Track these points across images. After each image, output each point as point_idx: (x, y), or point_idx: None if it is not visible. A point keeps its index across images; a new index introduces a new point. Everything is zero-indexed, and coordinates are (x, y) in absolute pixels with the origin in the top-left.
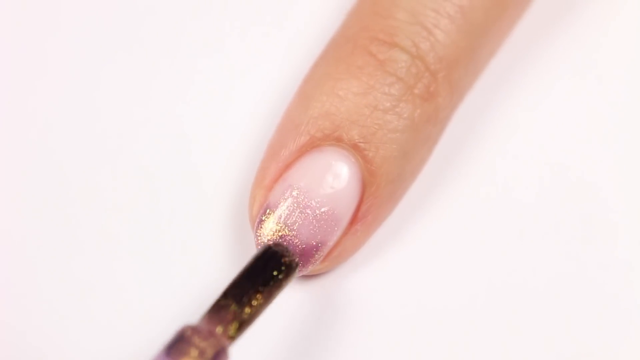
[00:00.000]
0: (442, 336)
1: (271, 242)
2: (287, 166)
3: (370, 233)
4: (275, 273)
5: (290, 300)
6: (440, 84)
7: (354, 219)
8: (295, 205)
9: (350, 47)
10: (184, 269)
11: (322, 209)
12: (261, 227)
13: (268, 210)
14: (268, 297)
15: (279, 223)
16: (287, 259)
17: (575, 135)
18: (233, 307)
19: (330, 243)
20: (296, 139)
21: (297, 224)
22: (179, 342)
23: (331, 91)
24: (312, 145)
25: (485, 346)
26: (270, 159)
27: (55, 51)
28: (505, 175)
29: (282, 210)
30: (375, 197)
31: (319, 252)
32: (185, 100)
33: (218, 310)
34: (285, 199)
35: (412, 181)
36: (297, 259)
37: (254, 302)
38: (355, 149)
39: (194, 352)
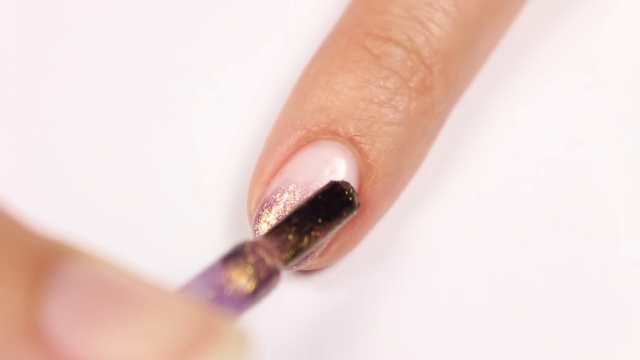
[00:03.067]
0: (442, 333)
1: (338, 180)
2: (284, 161)
3: (368, 227)
4: (337, 209)
5: (289, 296)
6: (435, 77)
7: None
8: (293, 199)
9: (346, 42)
10: (184, 264)
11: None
12: (259, 222)
13: (266, 205)
14: (326, 231)
15: (277, 217)
16: (350, 197)
17: (574, 131)
18: (293, 233)
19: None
20: (292, 134)
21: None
22: (236, 255)
23: (326, 86)
24: (309, 140)
25: (485, 343)
26: (267, 155)
27: (60, 49)
28: (505, 172)
29: (279, 204)
30: (372, 189)
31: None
32: (185, 99)
33: (279, 233)
34: (283, 193)
35: (411, 176)
36: (358, 200)
37: (313, 234)
38: (352, 142)
39: (249, 270)
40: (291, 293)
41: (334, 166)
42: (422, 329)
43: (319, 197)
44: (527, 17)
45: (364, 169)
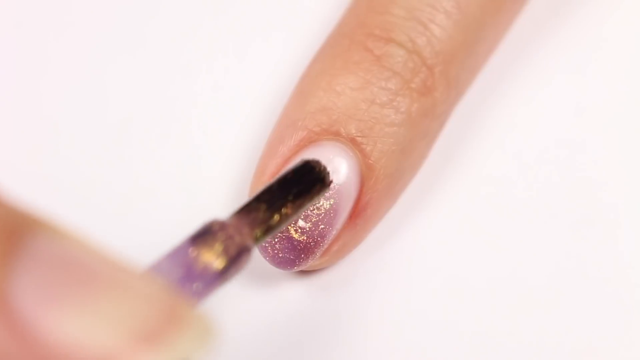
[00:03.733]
0: (441, 332)
1: (309, 158)
2: (286, 161)
3: (369, 227)
4: (309, 186)
5: (290, 296)
6: (437, 78)
7: (353, 213)
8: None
9: (347, 43)
10: None
11: (322, 203)
12: None
13: None
14: (297, 209)
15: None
16: (322, 174)
17: (575, 131)
18: (263, 210)
19: (330, 237)
20: (294, 135)
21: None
22: (205, 233)
23: (328, 86)
24: (310, 140)
25: (485, 343)
26: (268, 155)
27: (60, 48)
28: (505, 172)
29: None
30: (373, 190)
31: (318, 246)
32: (186, 98)
33: (249, 211)
34: None
35: (412, 176)
36: (331, 177)
37: (284, 211)
38: (353, 143)
39: (218, 247)
40: (292, 293)
41: (335, 167)
42: (423, 329)
43: (290, 175)
44: (528, 17)
45: (366, 170)
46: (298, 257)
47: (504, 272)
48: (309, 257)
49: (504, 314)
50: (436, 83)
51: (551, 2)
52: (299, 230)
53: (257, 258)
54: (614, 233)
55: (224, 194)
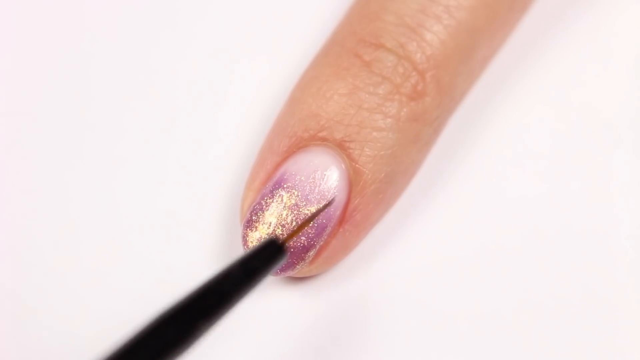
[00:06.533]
0: (437, 339)
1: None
2: (275, 168)
3: (360, 233)
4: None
5: (287, 302)
6: (428, 83)
7: (342, 218)
8: (283, 205)
9: (338, 50)
10: (183, 263)
11: (310, 209)
12: (248, 227)
13: (258, 211)
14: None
15: (268, 223)
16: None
17: (575, 139)
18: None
19: (319, 242)
20: (283, 141)
21: (284, 224)
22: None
23: (317, 93)
24: (299, 146)
25: (483, 346)
26: (260, 162)
27: (59, 50)
28: (503, 180)
29: (270, 211)
30: (362, 195)
31: (308, 252)
32: (182, 109)
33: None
34: (273, 200)
35: (405, 183)
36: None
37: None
38: (341, 148)
39: None
40: (286, 300)
41: (323, 172)
42: (418, 335)
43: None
44: (527, 27)
45: (353, 174)
46: (286, 263)
47: (502, 278)
48: (297, 262)
49: (501, 318)
50: (427, 88)
51: (550, 11)
52: None
53: None
54: (612, 237)
55: (220, 201)
